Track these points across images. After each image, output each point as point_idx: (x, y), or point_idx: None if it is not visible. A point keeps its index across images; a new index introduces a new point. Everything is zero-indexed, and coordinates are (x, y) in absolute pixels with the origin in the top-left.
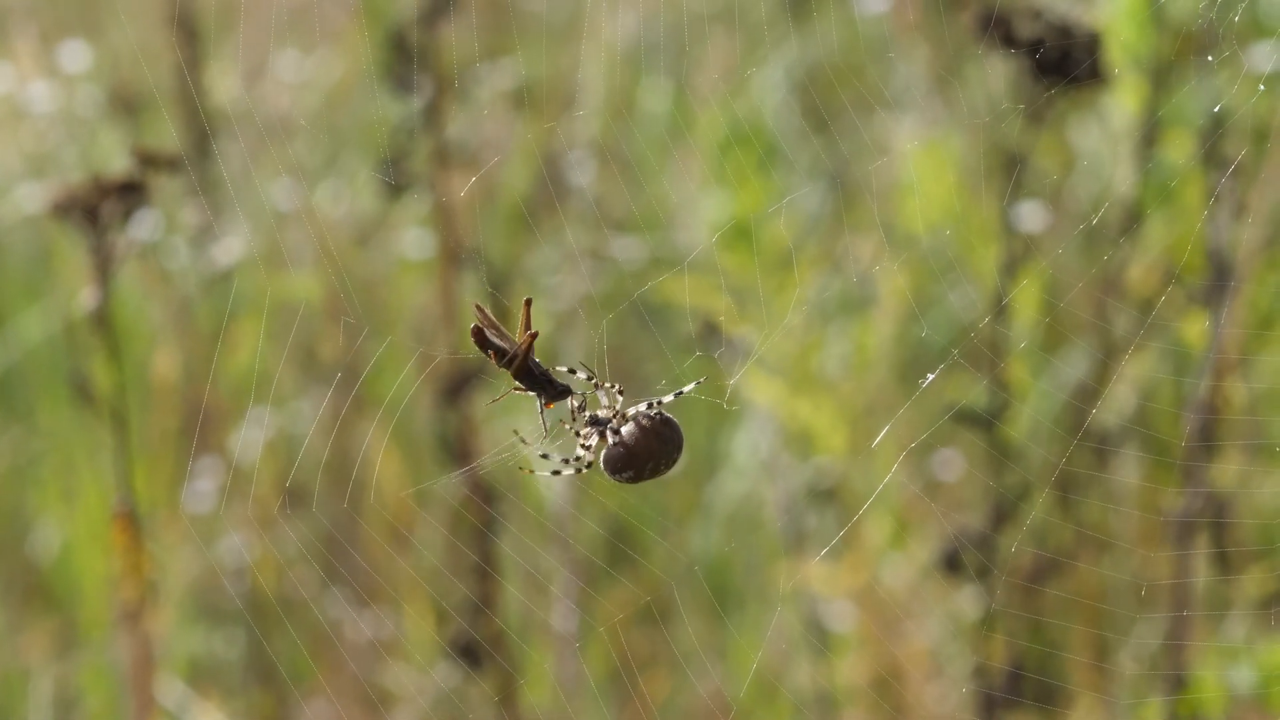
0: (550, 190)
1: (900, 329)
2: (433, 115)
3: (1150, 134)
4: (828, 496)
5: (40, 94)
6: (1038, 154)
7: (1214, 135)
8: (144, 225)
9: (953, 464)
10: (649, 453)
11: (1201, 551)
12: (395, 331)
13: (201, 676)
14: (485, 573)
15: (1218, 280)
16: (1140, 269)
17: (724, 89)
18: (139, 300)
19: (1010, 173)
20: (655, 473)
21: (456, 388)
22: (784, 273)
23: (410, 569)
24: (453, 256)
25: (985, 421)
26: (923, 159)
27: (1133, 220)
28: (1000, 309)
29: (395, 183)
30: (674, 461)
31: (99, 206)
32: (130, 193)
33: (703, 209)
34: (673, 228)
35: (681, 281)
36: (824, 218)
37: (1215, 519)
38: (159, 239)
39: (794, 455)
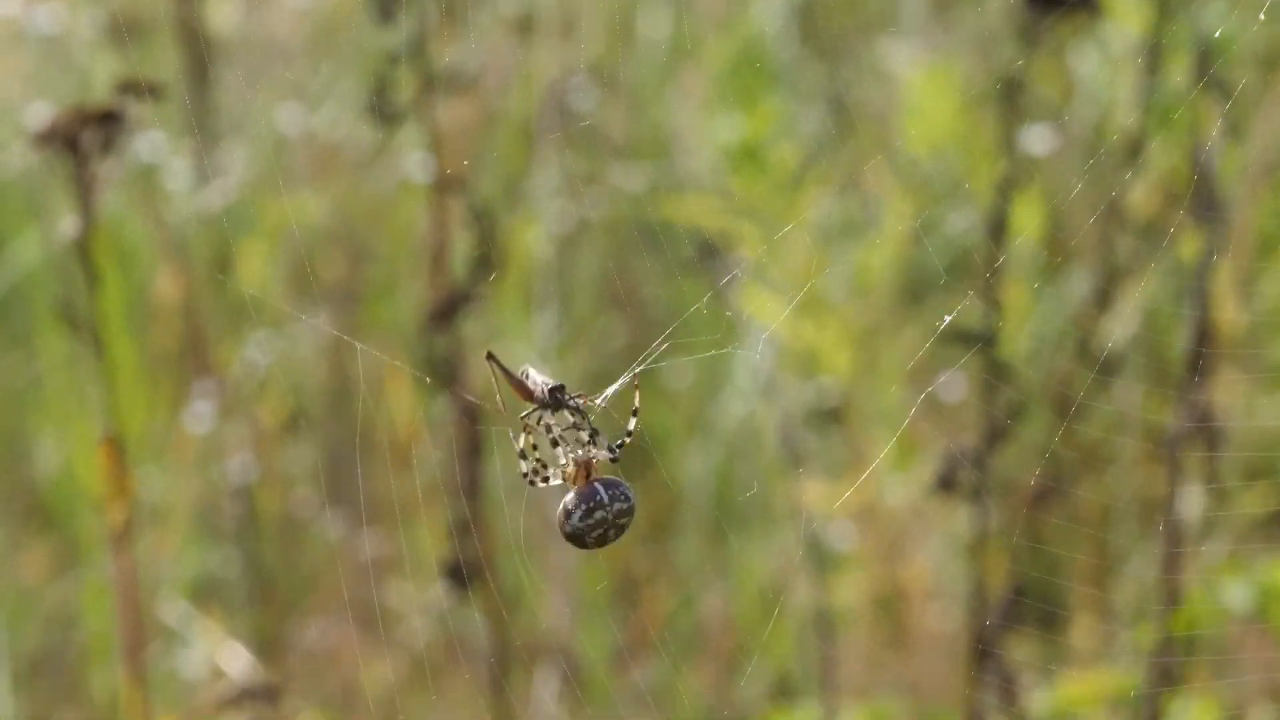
0: (552, 115)
1: (903, 251)
2: (429, 41)
3: (1151, 59)
4: (831, 416)
5: (42, 18)
6: (1039, 79)
7: (1216, 62)
8: (128, 152)
9: (955, 386)
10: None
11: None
12: (397, 257)
13: (204, 595)
14: (483, 493)
15: (1217, 204)
16: (1141, 192)
17: (725, 14)
18: (139, 224)
19: (1011, 97)
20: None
21: (446, 310)
22: (788, 194)
23: (410, 490)
24: (446, 183)
25: (980, 339)
26: (925, 83)
27: (1133, 144)
28: (999, 230)
29: (391, 109)
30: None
31: (79, 135)
32: (111, 121)
33: (706, 132)
34: (675, 152)
35: (684, 203)
36: (827, 141)
37: (1210, 441)
38: (160, 162)
39: (797, 376)
